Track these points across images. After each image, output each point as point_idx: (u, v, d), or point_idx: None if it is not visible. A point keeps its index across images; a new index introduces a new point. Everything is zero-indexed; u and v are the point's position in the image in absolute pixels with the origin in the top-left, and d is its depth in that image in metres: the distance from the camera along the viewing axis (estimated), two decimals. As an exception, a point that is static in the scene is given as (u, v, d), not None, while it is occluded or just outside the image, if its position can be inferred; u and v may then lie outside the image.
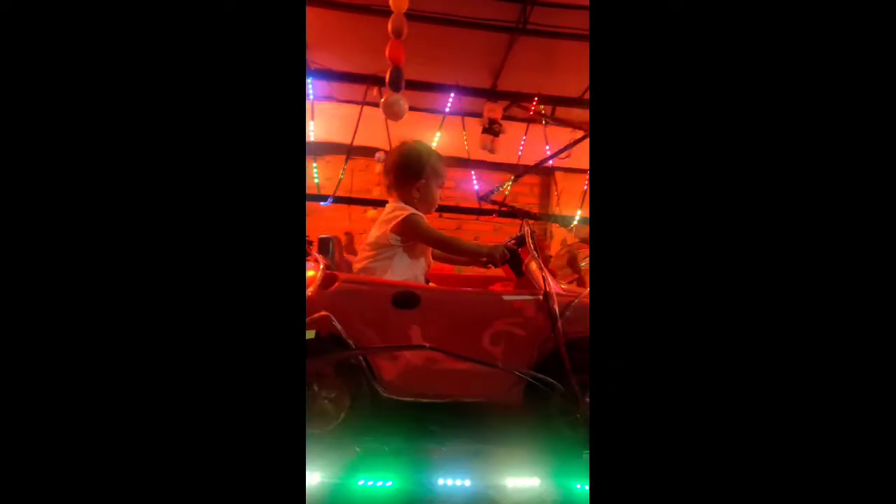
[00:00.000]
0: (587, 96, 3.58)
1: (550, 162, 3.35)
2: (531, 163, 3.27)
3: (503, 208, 3.13)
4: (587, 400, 1.16)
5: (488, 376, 1.19)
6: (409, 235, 1.35)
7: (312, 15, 2.61)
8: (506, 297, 1.24)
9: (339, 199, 3.04)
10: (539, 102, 3.02)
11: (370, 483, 1.01)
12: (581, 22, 3.05)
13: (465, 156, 3.08)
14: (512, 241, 1.41)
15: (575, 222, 3.16)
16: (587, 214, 3.45)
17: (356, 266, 1.40)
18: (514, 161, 3.40)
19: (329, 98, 3.32)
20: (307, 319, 1.12)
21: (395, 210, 1.39)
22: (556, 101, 3.13)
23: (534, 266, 1.30)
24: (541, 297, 1.22)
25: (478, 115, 3.32)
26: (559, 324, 1.19)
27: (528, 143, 3.40)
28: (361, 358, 1.17)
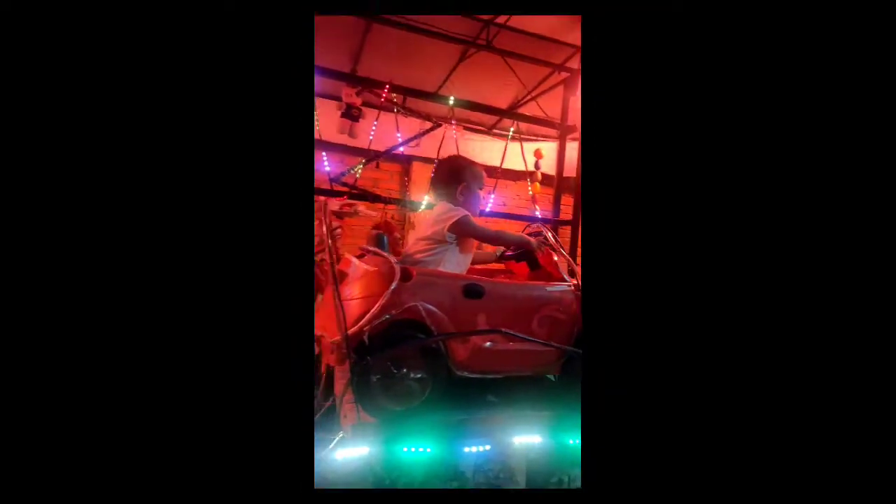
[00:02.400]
0: (442, 92, 3.79)
1: (402, 150, 3.48)
2: (382, 149, 3.37)
3: (353, 191, 3.20)
4: None
5: (538, 353, 1.43)
6: (464, 233, 1.56)
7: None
8: (549, 289, 1.50)
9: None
10: (391, 91, 3.13)
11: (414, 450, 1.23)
12: (431, 18, 3.23)
13: (317, 136, 3.09)
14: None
15: (422, 207, 3.31)
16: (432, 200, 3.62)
17: (416, 258, 1.56)
18: (367, 146, 3.49)
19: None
20: (397, 311, 1.24)
21: (450, 211, 1.58)
22: (407, 91, 3.26)
23: (561, 260, 1.60)
24: (573, 287, 1.51)
25: (336, 97, 3.36)
26: None
27: (382, 130, 3.50)
28: (441, 342, 1.33)
